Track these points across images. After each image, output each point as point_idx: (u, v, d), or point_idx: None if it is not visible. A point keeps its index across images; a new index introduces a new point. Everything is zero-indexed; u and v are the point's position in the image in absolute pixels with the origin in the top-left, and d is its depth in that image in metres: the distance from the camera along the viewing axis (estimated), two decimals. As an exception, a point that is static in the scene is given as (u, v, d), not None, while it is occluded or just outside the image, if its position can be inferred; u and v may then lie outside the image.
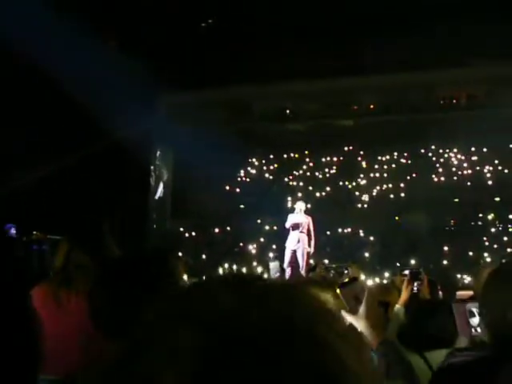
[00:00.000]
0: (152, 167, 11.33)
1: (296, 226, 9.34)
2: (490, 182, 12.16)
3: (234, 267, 10.27)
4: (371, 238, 11.45)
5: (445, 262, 10.53)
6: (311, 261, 9.56)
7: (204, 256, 11.43)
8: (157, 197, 11.51)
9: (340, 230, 11.87)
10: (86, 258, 2.48)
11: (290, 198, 11.95)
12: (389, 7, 8.22)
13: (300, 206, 9.53)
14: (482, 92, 10.35)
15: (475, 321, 2.81)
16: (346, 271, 7.53)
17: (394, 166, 12.96)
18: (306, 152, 13.16)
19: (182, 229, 12.07)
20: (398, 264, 9.59)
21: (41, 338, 1.07)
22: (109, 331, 1.51)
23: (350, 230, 11.89)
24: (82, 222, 2.74)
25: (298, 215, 9.42)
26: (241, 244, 11.71)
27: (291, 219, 9.38)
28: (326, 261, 9.97)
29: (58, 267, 2.54)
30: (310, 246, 9.39)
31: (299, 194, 12.11)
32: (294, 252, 9.33)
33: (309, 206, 10.27)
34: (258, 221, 11.93)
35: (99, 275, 1.64)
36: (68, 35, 7.15)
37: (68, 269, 2.51)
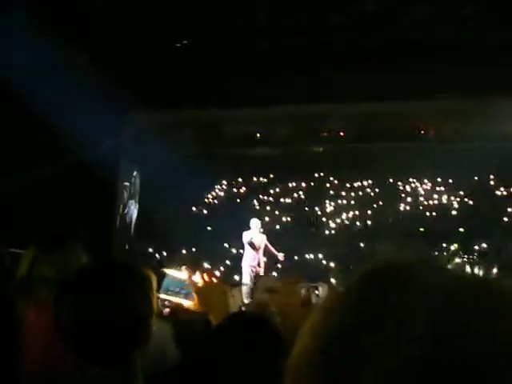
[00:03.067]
0: (127, 183, 11.20)
1: (253, 245, 9.38)
2: (454, 213, 12.36)
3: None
4: (333, 265, 11.48)
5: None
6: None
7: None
8: (134, 217, 11.38)
9: (306, 255, 11.87)
10: (49, 270, 2.37)
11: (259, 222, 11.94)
12: (361, 37, 8.35)
13: (256, 223, 9.56)
14: (448, 125, 10.56)
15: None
16: (316, 291, 7.51)
17: (361, 193, 13.08)
18: (274, 176, 13.21)
19: (146, 249, 11.93)
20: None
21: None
22: (75, 341, 1.45)
23: (314, 255, 11.90)
24: (47, 234, 2.64)
25: (255, 233, 9.47)
26: (207, 266, 11.62)
27: (249, 237, 9.41)
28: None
29: (19, 278, 2.43)
30: (259, 266, 9.55)
31: (266, 218, 12.11)
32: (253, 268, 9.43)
33: (277, 227, 10.29)
34: (225, 244, 11.88)
35: (65, 283, 1.57)
36: (36, 48, 7.02)
37: (29, 280, 2.42)
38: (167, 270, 2.05)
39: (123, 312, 1.45)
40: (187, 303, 1.98)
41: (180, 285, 1.99)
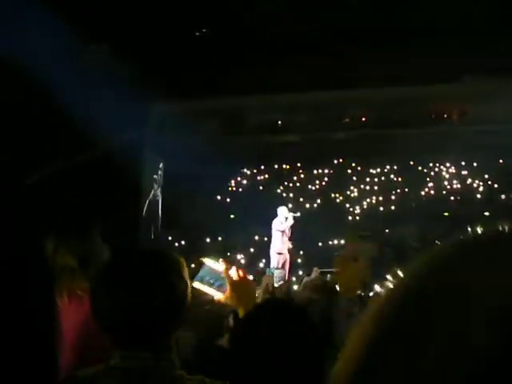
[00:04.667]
0: (155, 177, 11.29)
1: (281, 232, 9.51)
2: (479, 196, 12.25)
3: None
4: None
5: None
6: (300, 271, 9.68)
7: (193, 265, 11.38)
8: (159, 207, 11.48)
9: (330, 241, 11.88)
10: (71, 259, 2.42)
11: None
12: (381, 21, 8.28)
13: (283, 211, 9.68)
14: (472, 108, 10.44)
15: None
16: None
17: (384, 178, 13.02)
18: (298, 164, 13.19)
19: (171, 238, 12.02)
20: (388, 277, 9.60)
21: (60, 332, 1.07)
22: (116, 327, 1.49)
23: (338, 241, 11.89)
24: (68, 224, 2.67)
25: (282, 220, 9.59)
26: (230, 254, 11.69)
27: (278, 224, 9.52)
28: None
29: None
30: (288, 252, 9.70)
31: (290, 205, 12.14)
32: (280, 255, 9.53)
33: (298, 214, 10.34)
34: (249, 232, 11.93)
35: (105, 270, 1.61)
36: (57, 42, 7.06)
37: (53, 269, 2.45)
38: (206, 260, 2.07)
39: (165, 297, 1.49)
40: (218, 295, 2.01)
41: (215, 276, 2.01)
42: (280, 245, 9.65)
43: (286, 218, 9.73)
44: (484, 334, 0.38)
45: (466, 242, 0.50)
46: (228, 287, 1.97)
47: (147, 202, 11.10)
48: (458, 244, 0.50)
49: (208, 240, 12.10)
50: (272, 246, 9.83)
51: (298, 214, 9.90)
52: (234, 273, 2.00)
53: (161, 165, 11.67)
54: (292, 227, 9.89)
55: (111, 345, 1.52)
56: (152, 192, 11.45)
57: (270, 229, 10.12)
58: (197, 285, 1.97)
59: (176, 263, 1.61)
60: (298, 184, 13.23)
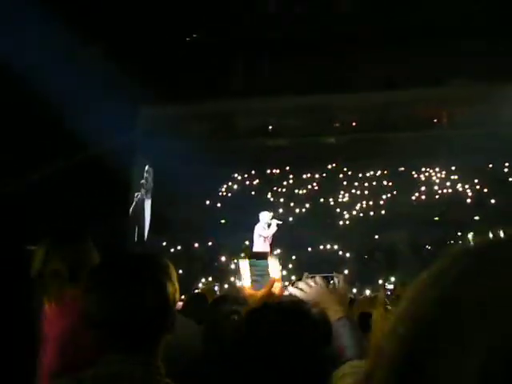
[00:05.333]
0: (141, 179, 11.24)
1: (262, 238, 9.44)
2: (468, 201, 12.29)
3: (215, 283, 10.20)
4: (349, 255, 11.46)
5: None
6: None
7: (182, 271, 11.32)
8: (147, 211, 11.41)
9: (321, 246, 11.86)
10: (61, 266, 2.37)
11: (271, 214, 11.94)
12: (372, 27, 8.31)
13: (264, 216, 9.61)
14: (462, 111, 10.49)
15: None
16: (332, 280, 7.56)
17: (374, 183, 13.03)
18: (288, 168, 13.17)
19: (159, 242, 11.95)
20: (379, 282, 9.61)
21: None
22: (106, 330, 1.48)
23: (329, 246, 11.88)
24: (58, 229, 2.65)
25: (264, 226, 9.51)
26: (222, 259, 11.65)
27: (259, 230, 9.45)
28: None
29: (34, 273, 2.45)
30: None
31: (280, 210, 12.10)
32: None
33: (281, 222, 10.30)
34: (239, 236, 11.89)
35: (94, 274, 1.59)
36: (49, 45, 7.03)
37: (43, 275, 2.43)
38: (274, 257, 2.03)
39: (154, 300, 1.48)
40: (248, 286, 1.98)
41: (263, 274, 1.97)
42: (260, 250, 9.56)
43: (269, 225, 9.62)
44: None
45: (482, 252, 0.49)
46: (263, 290, 1.95)
47: (133, 204, 11.06)
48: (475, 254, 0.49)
49: (196, 245, 12.05)
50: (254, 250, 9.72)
51: (281, 222, 9.79)
52: (278, 286, 1.99)
53: (148, 168, 11.62)
54: (275, 235, 9.78)
55: (99, 350, 1.49)
56: (138, 196, 11.40)
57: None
58: (246, 263, 1.93)
59: (165, 266, 1.60)
60: (288, 188, 13.21)
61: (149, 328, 1.49)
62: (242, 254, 1.96)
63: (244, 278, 1.98)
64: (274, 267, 1.99)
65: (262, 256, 2.01)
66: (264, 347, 1.51)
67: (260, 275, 1.96)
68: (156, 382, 1.45)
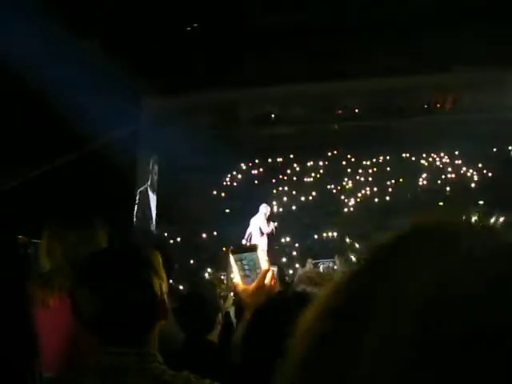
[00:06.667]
0: (146, 171, 11.26)
1: (258, 230, 9.46)
2: (473, 185, 12.27)
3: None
4: (356, 243, 11.47)
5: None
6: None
7: (190, 261, 11.38)
8: (153, 203, 11.43)
9: (325, 234, 11.88)
10: (65, 259, 2.39)
11: (275, 203, 11.96)
12: (373, 12, 8.27)
13: (262, 209, 9.60)
14: (466, 96, 10.44)
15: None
16: (331, 264, 7.65)
17: (378, 169, 13.01)
18: (292, 156, 13.17)
19: (166, 234, 12.00)
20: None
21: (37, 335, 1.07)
22: (94, 325, 1.53)
23: (335, 233, 11.90)
24: (60, 220, 2.65)
25: (261, 219, 9.52)
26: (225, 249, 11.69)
27: (256, 223, 9.46)
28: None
29: (44, 266, 2.46)
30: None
31: (284, 198, 12.12)
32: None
33: (295, 207, 10.31)
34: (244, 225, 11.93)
35: (80, 271, 1.63)
36: (48, 35, 6.99)
37: (48, 269, 2.45)
38: (259, 249, 2.01)
39: (140, 292, 1.53)
40: (239, 282, 1.97)
41: (252, 266, 1.93)
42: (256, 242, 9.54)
43: (266, 214, 9.61)
44: (408, 325, 0.40)
45: (401, 237, 0.53)
46: (255, 284, 1.94)
47: (138, 196, 11.09)
48: (391, 240, 0.52)
49: (204, 235, 12.08)
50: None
51: (276, 224, 9.78)
52: (269, 276, 1.97)
53: (153, 161, 11.64)
54: (270, 237, 9.78)
55: (96, 344, 1.55)
56: (144, 187, 11.43)
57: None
58: (232, 259, 1.93)
59: (151, 259, 1.63)
60: (292, 176, 13.20)
61: (137, 321, 1.54)
62: (231, 248, 1.96)
63: (234, 274, 1.98)
64: (262, 258, 1.98)
65: (250, 249, 1.99)
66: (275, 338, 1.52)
67: (249, 269, 1.94)
68: (152, 371, 1.49)
